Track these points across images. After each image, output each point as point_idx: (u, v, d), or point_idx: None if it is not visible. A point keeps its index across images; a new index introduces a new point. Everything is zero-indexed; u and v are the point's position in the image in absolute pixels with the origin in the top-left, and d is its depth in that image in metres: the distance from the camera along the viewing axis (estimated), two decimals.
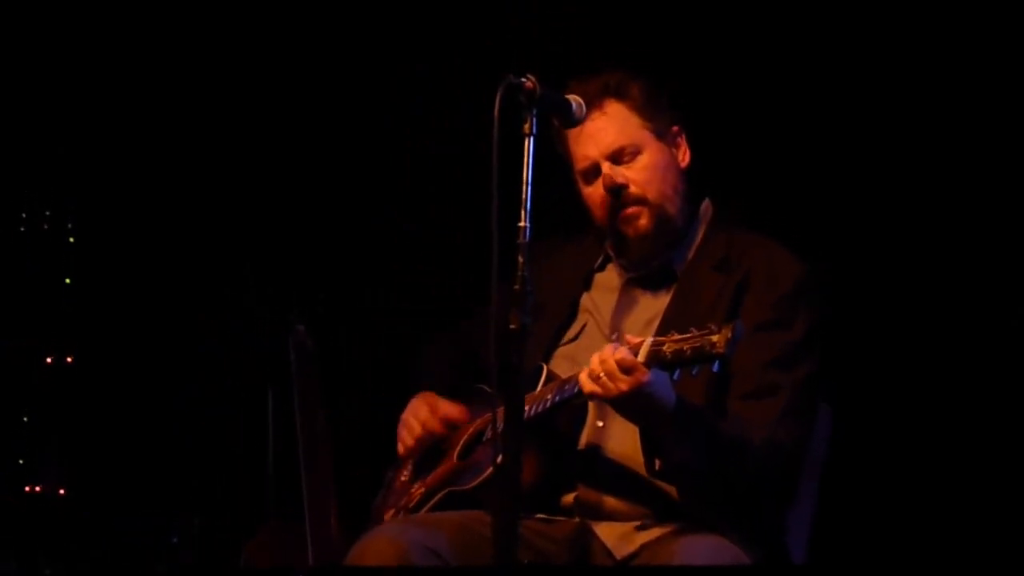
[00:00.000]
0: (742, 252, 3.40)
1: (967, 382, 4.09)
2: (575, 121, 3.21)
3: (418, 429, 3.57)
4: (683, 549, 3.16)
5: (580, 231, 3.57)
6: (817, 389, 3.32)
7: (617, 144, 3.41)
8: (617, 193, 3.39)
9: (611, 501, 3.31)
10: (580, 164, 3.45)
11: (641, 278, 3.47)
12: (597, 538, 3.29)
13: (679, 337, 3.01)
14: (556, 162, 3.44)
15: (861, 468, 4.04)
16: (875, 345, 4.17)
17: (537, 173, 2.94)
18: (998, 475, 4.04)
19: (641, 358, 3.04)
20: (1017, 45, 4.06)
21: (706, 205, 3.52)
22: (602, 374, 3.07)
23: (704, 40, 4.28)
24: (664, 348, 3.02)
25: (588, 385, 3.10)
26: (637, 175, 3.41)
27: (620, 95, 3.43)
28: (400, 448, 3.61)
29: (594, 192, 3.43)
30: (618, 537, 3.28)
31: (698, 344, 2.98)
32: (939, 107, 4.15)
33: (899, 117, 4.19)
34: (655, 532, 3.25)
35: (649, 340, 3.05)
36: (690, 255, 3.45)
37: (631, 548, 3.25)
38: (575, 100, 3.18)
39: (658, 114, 3.45)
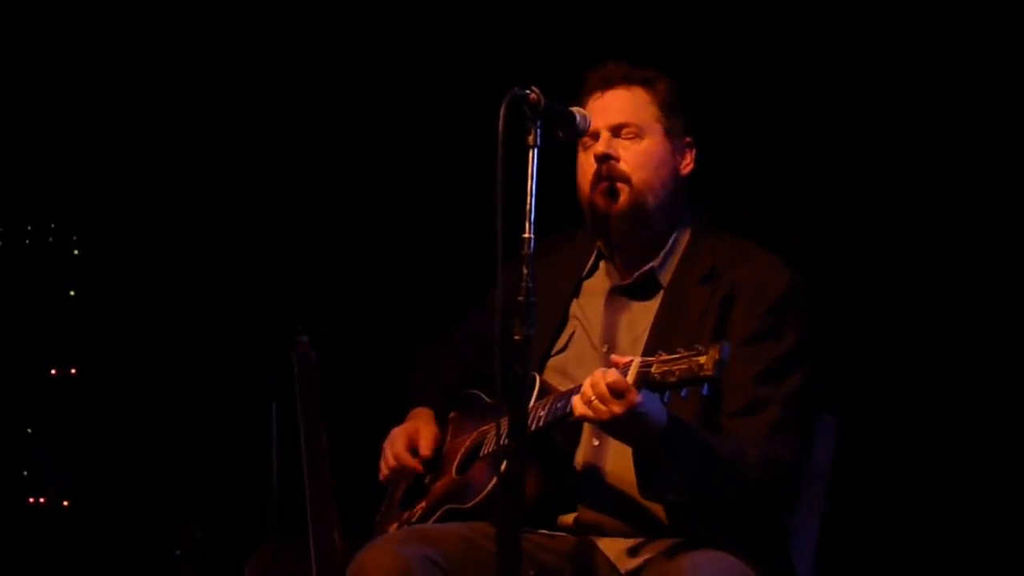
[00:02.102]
0: (728, 262, 3.36)
1: (974, 391, 4.09)
2: (579, 133, 3.22)
3: (391, 461, 3.57)
4: (690, 564, 3.14)
5: (569, 230, 3.55)
6: (810, 398, 3.29)
7: (624, 118, 3.38)
8: (604, 160, 3.36)
9: (612, 520, 3.29)
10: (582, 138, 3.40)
11: (627, 287, 3.44)
12: (600, 552, 3.27)
13: (667, 358, 2.97)
14: (560, 173, 3.42)
15: (867, 480, 4.03)
16: (881, 355, 4.18)
17: (541, 184, 2.96)
18: (1005, 485, 4.05)
19: (630, 379, 3.00)
20: (1007, 50, 4.10)
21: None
22: (593, 398, 3.03)
23: (695, 50, 4.30)
24: (652, 370, 2.98)
25: (580, 408, 3.06)
26: (630, 155, 3.37)
27: (647, 84, 3.42)
28: (380, 475, 3.61)
29: (586, 159, 3.40)
30: (622, 551, 3.26)
31: (686, 366, 2.93)
32: (935, 112, 4.17)
33: (900, 119, 4.21)
34: (659, 546, 3.23)
35: (638, 361, 3.01)
36: (674, 264, 3.41)
37: (635, 563, 3.24)
38: (579, 112, 3.20)
39: (676, 117, 3.43)
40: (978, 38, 4.12)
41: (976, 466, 4.08)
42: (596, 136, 3.37)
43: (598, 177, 3.36)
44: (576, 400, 3.08)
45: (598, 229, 3.42)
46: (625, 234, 3.40)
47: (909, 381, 4.15)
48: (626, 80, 3.41)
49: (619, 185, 3.36)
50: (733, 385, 3.18)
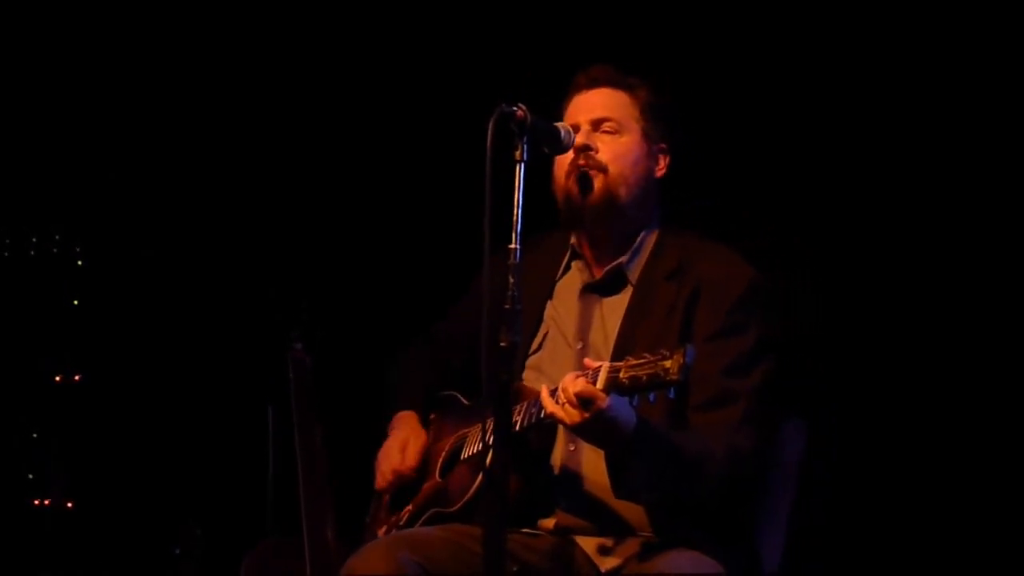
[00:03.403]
0: (693, 261, 3.44)
1: (939, 390, 4.13)
2: (564, 148, 3.31)
3: (389, 475, 3.64)
4: (667, 564, 3.23)
5: (543, 233, 3.59)
6: (774, 393, 3.35)
7: (605, 113, 3.48)
8: (583, 150, 3.43)
9: (589, 524, 3.36)
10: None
11: (597, 284, 3.51)
12: (581, 550, 3.35)
13: (634, 363, 3.02)
14: (546, 187, 3.52)
15: (835, 481, 4.06)
16: (848, 360, 4.20)
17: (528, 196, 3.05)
18: (969, 478, 4.09)
19: (599, 385, 3.05)
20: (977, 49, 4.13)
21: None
22: (565, 403, 3.08)
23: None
24: (620, 375, 3.03)
25: (551, 407, 3.13)
26: (608, 148, 3.46)
27: (630, 89, 3.52)
28: (376, 485, 3.70)
29: (564, 155, 3.45)
30: (601, 550, 3.34)
31: (652, 371, 2.98)
32: (901, 116, 4.20)
33: (872, 124, 4.23)
34: (635, 546, 3.32)
35: (606, 366, 3.06)
36: (643, 262, 3.48)
37: (614, 562, 3.32)
38: (563, 128, 3.30)
39: (654, 122, 3.52)
40: (960, 34, 4.15)
41: (942, 463, 4.11)
42: (575, 128, 3.44)
43: (575, 167, 3.44)
44: (545, 397, 3.15)
45: (571, 219, 3.49)
46: (597, 225, 3.47)
47: (875, 384, 4.18)
48: (610, 82, 3.51)
49: (594, 174, 3.44)
50: (699, 379, 3.24)
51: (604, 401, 3.05)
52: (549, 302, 3.56)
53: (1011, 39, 4.10)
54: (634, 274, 3.48)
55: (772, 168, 4.31)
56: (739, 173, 4.29)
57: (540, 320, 3.54)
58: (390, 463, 3.64)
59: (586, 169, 3.44)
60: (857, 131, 4.25)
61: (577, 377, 3.10)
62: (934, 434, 4.13)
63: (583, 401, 3.07)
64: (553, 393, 3.16)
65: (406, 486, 3.66)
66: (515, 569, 3.29)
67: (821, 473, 3.70)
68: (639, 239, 3.50)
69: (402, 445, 3.65)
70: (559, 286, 3.58)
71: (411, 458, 3.63)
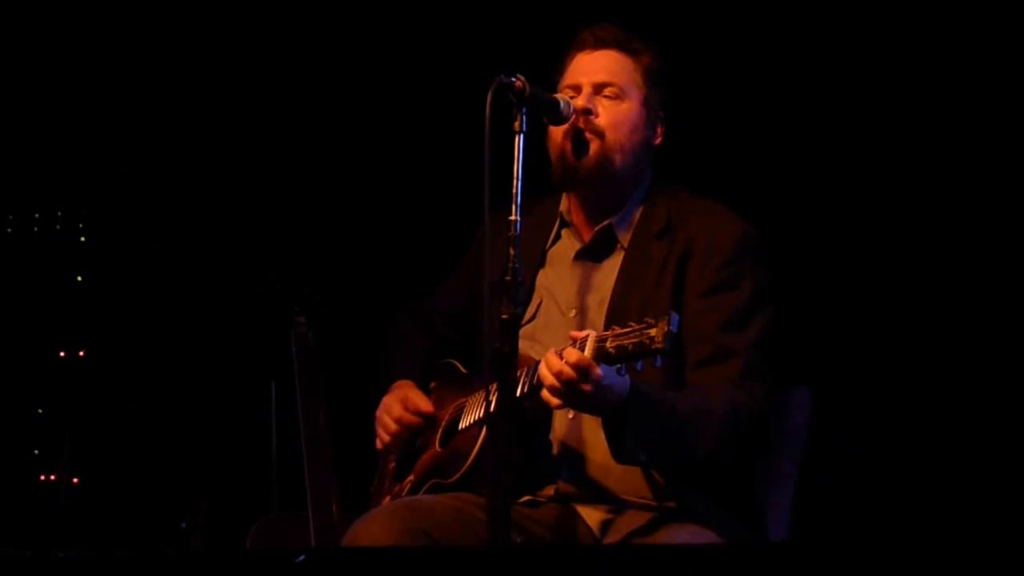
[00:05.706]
0: (683, 218, 3.42)
1: (945, 363, 4.14)
2: (563, 119, 3.32)
3: (392, 426, 3.59)
4: (665, 537, 3.24)
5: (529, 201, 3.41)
6: (774, 347, 3.32)
7: (608, 77, 3.46)
8: (584, 113, 3.40)
9: (590, 493, 3.35)
10: (563, 89, 3.48)
11: (588, 249, 3.49)
12: (583, 521, 3.35)
13: (620, 332, 3.01)
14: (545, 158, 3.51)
15: (843, 450, 4.08)
16: (854, 327, 4.22)
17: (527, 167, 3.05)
18: (983, 451, 4.11)
19: (588, 354, 3.04)
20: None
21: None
22: (559, 384, 3.06)
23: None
24: (607, 345, 3.02)
25: (552, 401, 3.11)
26: (609, 113, 3.43)
27: (635, 53, 3.50)
28: (378, 443, 3.65)
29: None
30: (602, 521, 3.33)
31: (638, 340, 2.97)
32: (903, 101, 4.23)
33: (867, 105, 4.26)
34: (638, 518, 3.31)
35: (593, 335, 3.05)
36: (633, 224, 3.46)
37: (617, 536, 3.31)
38: (563, 99, 3.30)
39: (655, 89, 3.50)
40: (959, 34, 4.17)
41: (951, 432, 4.13)
42: (577, 89, 3.44)
43: (572, 128, 3.41)
44: (546, 393, 3.12)
45: (564, 180, 3.47)
46: (590, 187, 3.45)
47: (881, 351, 4.19)
48: (616, 44, 3.48)
49: (590, 138, 3.41)
50: (696, 336, 3.24)
51: (599, 371, 3.04)
52: (541, 270, 3.55)
53: (1008, 39, 4.12)
54: (625, 237, 3.47)
55: (771, 167, 4.32)
56: (738, 172, 4.28)
57: (532, 289, 3.52)
58: (392, 414, 3.60)
59: (584, 131, 3.41)
60: (856, 131, 4.27)
61: (567, 351, 3.08)
62: (942, 401, 4.15)
63: (581, 373, 3.05)
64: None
65: (406, 456, 3.64)
66: (519, 540, 3.28)
67: (828, 442, 3.69)
68: (630, 203, 3.48)
69: (402, 398, 3.62)
70: (550, 254, 3.57)
71: (421, 406, 3.58)
